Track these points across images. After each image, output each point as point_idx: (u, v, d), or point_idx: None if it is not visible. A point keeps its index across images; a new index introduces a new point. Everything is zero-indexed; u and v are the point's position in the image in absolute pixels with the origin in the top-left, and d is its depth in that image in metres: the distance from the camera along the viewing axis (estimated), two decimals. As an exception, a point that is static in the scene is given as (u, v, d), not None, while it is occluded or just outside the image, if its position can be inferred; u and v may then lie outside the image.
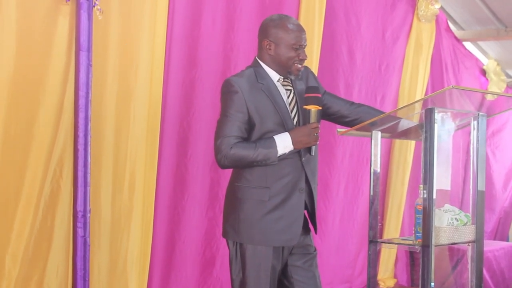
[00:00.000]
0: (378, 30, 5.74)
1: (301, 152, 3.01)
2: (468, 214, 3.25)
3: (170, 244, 4.11)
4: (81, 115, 3.38)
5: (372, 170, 3.28)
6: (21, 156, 3.22)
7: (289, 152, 2.96)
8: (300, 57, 3.04)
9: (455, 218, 3.16)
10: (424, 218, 3.05)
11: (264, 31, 3.08)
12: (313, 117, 2.97)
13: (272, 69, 3.07)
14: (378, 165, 3.28)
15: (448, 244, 3.14)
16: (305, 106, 2.99)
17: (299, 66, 3.05)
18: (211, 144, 3.00)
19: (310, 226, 3.15)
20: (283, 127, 2.99)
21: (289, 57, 3.03)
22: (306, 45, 3.07)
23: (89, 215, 3.43)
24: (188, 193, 4.15)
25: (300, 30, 3.06)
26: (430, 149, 3.03)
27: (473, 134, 3.30)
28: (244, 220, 2.98)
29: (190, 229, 4.19)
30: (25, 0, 3.18)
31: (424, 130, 3.06)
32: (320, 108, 3.00)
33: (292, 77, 3.08)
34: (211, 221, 4.30)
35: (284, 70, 3.06)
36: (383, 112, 3.23)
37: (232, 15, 4.33)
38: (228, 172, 3.15)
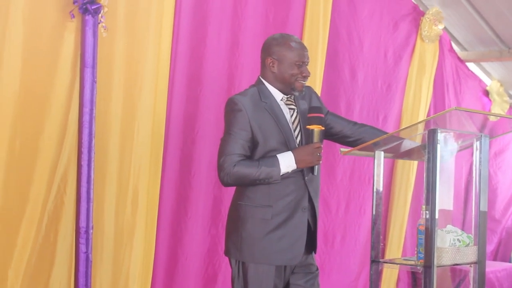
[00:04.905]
0: (380, 50, 5.75)
1: (304, 171, 3.02)
2: (470, 235, 3.24)
3: (173, 260, 4.10)
4: (85, 132, 3.39)
5: (374, 190, 3.28)
6: (26, 171, 3.23)
7: (292, 171, 2.97)
8: (304, 74, 3.06)
9: (457, 239, 3.16)
10: (426, 238, 3.05)
11: (267, 50, 3.10)
12: (316, 137, 2.99)
13: (275, 87, 3.09)
14: (381, 185, 3.28)
15: (450, 265, 3.14)
16: (308, 126, 3.01)
17: (303, 82, 3.08)
18: (215, 161, 3.01)
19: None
20: (286, 146, 3.00)
21: (292, 74, 3.05)
22: (308, 62, 3.09)
23: (91, 231, 3.43)
24: (191, 210, 4.14)
25: (303, 47, 3.09)
26: (432, 169, 3.03)
27: (476, 155, 3.30)
28: (247, 238, 2.99)
29: (192, 246, 4.18)
30: (31, 17, 3.20)
31: (427, 151, 3.06)
32: (323, 128, 3.01)
33: (296, 93, 3.09)
34: (214, 238, 4.29)
35: (288, 87, 3.07)
36: (386, 133, 3.24)
37: (236, 34, 4.35)
38: (232, 189, 3.15)
